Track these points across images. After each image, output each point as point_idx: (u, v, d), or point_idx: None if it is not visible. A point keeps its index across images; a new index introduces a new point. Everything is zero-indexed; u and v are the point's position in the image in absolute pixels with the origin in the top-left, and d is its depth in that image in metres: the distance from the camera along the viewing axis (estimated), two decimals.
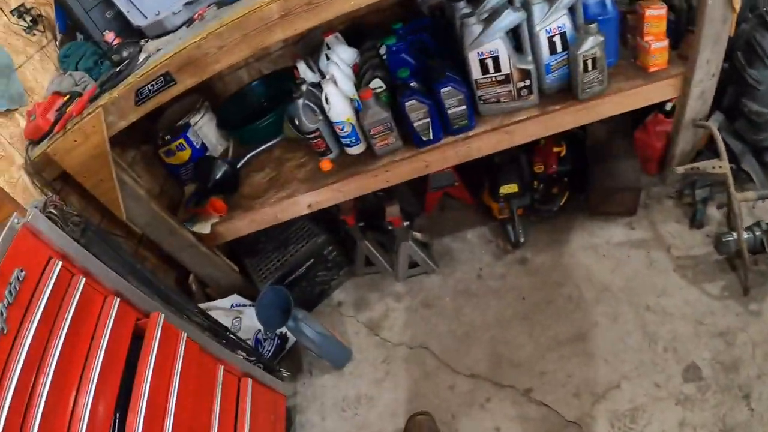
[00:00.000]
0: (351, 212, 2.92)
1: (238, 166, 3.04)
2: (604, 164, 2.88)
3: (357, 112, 2.60)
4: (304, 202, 2.77)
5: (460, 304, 2.91)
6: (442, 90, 2.42)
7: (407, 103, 2.45)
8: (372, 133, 2.57)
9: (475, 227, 3.23)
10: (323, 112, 2.64)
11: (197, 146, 3.10)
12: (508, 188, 2.86)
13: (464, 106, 2.49)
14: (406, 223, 2.90)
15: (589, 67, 2.33)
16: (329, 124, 2.68)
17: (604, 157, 2.89)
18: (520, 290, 2.85)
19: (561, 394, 2.41)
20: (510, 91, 2.48)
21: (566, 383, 2.43)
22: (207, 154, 3.17)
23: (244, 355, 2.48)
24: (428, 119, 2.50)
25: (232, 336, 2.50)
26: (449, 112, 2.50)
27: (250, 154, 3.11)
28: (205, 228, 2.79)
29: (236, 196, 2.94)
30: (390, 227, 2.90)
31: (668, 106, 2.71)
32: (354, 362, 2.90)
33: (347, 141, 2.71)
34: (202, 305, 2.86)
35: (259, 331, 2.91)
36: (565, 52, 2.39)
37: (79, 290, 1.67)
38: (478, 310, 2.85)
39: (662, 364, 2.36)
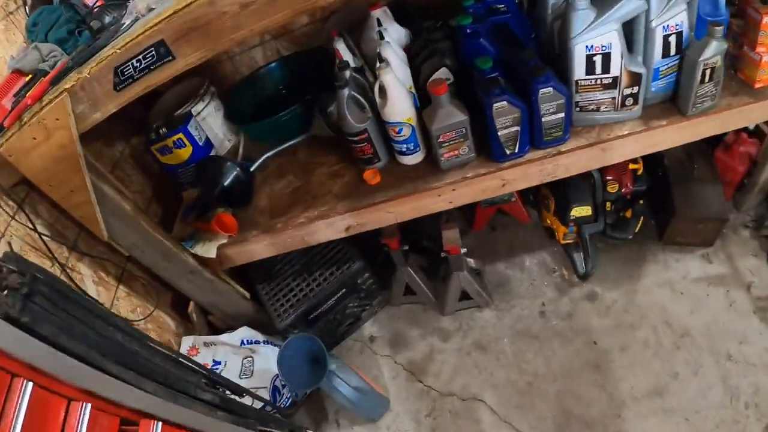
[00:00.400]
0: (395, 235, 2.68)
1: (252, 170, 2.65)
2: (686, 188, 2.75)
3: (417, 110, 2.31)
4: (341, 225, 2.46)
5: (521, 348, 2.77)
6: (542, 91, 2.08)
7: (495, 105, 2.08)
8: (441, 140, 2.24)
9: (533, 252, 3.08)
10: (374, 107, 2.31)
11: (200, 143, 2.73)
12: (581, 210, 2.71)
13: (562, 114, 2.17)
14: (463, 250, 2.67)
15: (707, 78, 2.10)
16: (381, 124, 2.34)
17: (686, 179, 2.77)
18: (590, 333, 2.73)
19: None
20: (614, 98, 2.21)
21: None
22: (212, 152, 2.81)
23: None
24: (518, 127, 2.18)
25: (248, 400, 2.25)
26: (544, 119, 2.18)
27: (267, 155, 2.70)
28: (209, 251, 2.46)
29: (250, 210, 2.59)
30: (444, 254, 2.68)
31: (752, 126, 2.62)
32: (392, 414, 2.74)
33: (403, 147, 2.38)
34: (206, 339, 2.63)
35: (277, 376, 2.65)
36: (678, 57, 2.14)
37: (25, 400, 1.19)
38: (542, 356, 2.72)
39: (743, 421, 2.33)
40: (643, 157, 2.70)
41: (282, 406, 2.67)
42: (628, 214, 2.84)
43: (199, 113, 2.75)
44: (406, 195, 2.37)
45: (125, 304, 2.42)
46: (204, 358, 2.59)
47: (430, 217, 2.60)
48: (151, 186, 2.81)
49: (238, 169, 2.56)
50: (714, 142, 2.81)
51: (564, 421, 2.52)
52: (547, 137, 2.24)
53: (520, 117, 2.12)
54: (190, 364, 1.95)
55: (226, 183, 2.53)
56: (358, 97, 2.29)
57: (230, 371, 2.58)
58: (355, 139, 2.36)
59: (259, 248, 2.54)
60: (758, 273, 2.72)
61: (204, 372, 1.99)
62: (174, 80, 1.91)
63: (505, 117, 2.12)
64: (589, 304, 2.82)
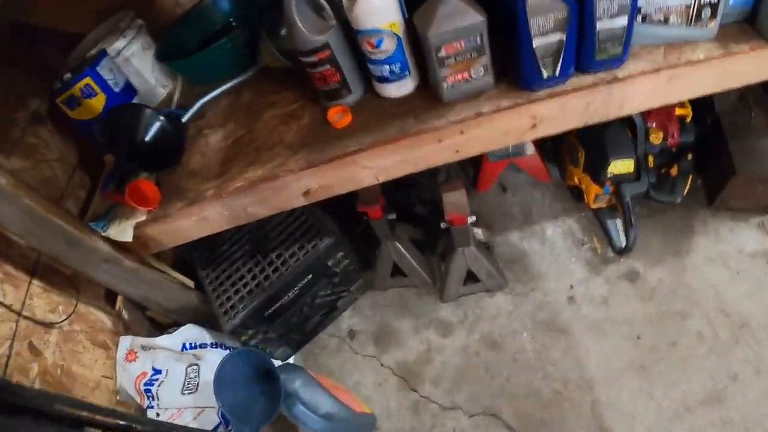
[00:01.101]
0: (377, 200, 2.00)
1: (183, 120, 2.00)
2: (744, 140, 2.23)
3: (403, 14, 1.61)
4: (297, 188, 1.79)
5: (545, 345, 2.16)
6: None
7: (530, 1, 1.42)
8: (443, 54, 1.54)
9: (556, 219, 2.43)
10: (339, 12, 1.62)
11: (116, 89, 2.02)
12: (622, 166, 2.13)
13: (625, 19, 1.49)
14: (471, 219, 2.01)
15: None
16: (351, 35, 1.65)
17: (742, 130, 2.25)
18: (632, 324, 2.16)
19: None
20: (689, 6, 1.55)
21: None
22: (135, 101, 2.12)
23: None
24: (561, 35, 1.49)
25: None
26: (599, 25, 1.50)
27: (204, 99, 2.05)
28: (124, 233, 1.80)
29: (177, 173, 1.92)
30: (444, 224, 2.02)
31: None
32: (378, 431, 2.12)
33: (384, 71, 1.67)
34: (143, 341, 2.02)
35: None
36: None
37: None
38: (573, 355, 2.13)
39: None
40: (691, 101, 2.21)
41: None
42: (674, 171, 2.27)
43: (118, 53, 2.07)
44: (390, 141, 1.68)
45: (42, 303, 1.82)
46: (143, 365, 2.00)
47: (424, 174, 1.94)
48: (76, 152, 2.16)
49: (162, 119, 1.86)
50: None
51: None
52: (601, 54, 1.57)
53: (567, 18, 1.44)
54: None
55: (147, 138, 1.86)
56: None
57: (172, 384, 1.98)
58: (313, 59, 1.65)
59: (188, 226, 1.88)
60: None
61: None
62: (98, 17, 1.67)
63: (545, 17, 1.44)
64: (629, 286, 2.23)
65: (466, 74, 1.60)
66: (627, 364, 2.08)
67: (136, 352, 2.01)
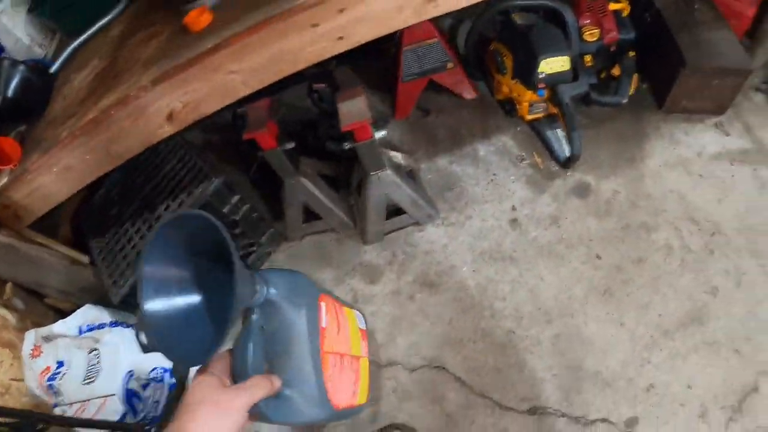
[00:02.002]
0: (264, 123, 1.61)
1: (52, 70, 1.70)
2: (692, 34, 1.96)
3: None
4: (158, 111, 1.45)
5: (490, 278, 1.78)
6: None
7: None
8: None
9: (488, 137, 2.05)
10: None
11: None
12: (554, 63, 1.79)
13: None
14: (379, 134, 1.63)
15: None
16: None
17: (687, 23, 1.99)
18: (590, 244, 1.80)
19: (679, 421, 1.56)
20: None
21: (684, 399, 1.59)
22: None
23: None
24: None
25: None
26: None
27: (72, 45, 1.76)
28: None
29: (40, 126, 1.60)
30: (348, 144, 1.62)
31: None
32: None
33: None
34: (44, 332, 1.69)
35: (130, 374, 1.63)
36: None
37: None
38: (524, 286, 1.76)
39: None
40: None
41: (146, 420, 1.64)
42: (616, 71, 1.94)
43: None
44: (254, 30, 1.35)
45: None
46: (46, 359, 1.70)
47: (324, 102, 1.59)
48: None
49: (22, 69, 1.61)
50: None
51: (571, 382, 1.62)
52: None
53: None
54: None
55: (9, 93, 1.58)
56: None
57: (73, 375, 1.67)
58: None
59: (51, 181, 1.55)
60: None
61: None
62: None
63: None
64: (580, 201, 1.87)
65: None
66: (589, 289, 1.73)
67: (40, 347, 1.71)
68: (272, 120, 1.63)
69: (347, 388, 0.90)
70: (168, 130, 1.48)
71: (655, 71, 2.05)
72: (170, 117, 1.45)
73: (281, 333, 0.81)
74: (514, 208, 1.87)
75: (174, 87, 1.40)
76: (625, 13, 1.92)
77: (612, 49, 1.91)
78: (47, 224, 1.78)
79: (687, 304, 1.71)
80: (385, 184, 1.72)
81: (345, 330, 0.92)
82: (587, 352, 1.65)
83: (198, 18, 1.39)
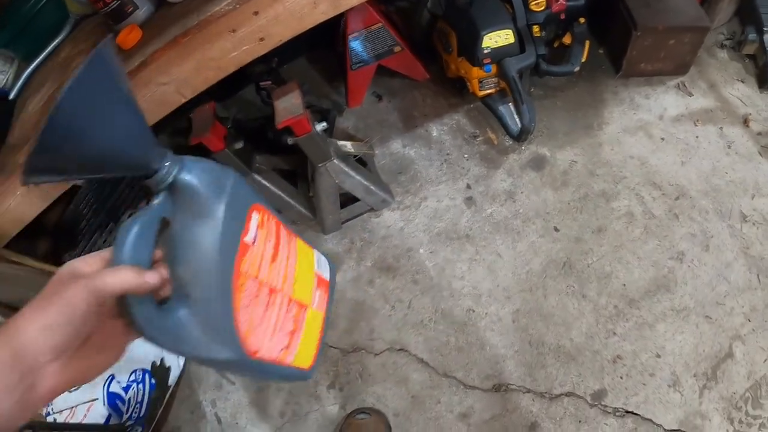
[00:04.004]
0: (208, 128, 1.48)
1: (11, 97, 1.59)
2: None
3: None
4: None
5: (447, 258, 1.64)
6: None
7: None
8: None
9: (440, 117, 1.89)
10: None
11: None
12: (497, 37, 1.64)
13: None
14: (320, 126, 1.51)
15: None
16: None
17: None
18: (547, 217, 1.65)
19: (650, 391, 1.45)
20: None
21: (653, 368, 1.47)
22: None
23: None
24: None
25: None
26: None
27: (27, 71, 1.61)
28: None
29: (2, 153, 1.49)
30: (289, 139, 1.50)
31: None
32: (281, 392, 1.57)
33: None
34: None
35: (111, 377, 1.52)
36: None
37: None
38: (482, 264, 1.61)
39: None
40: None
41: (131, 421, 1.55)
42: (567, 40, 1.78)
43: None
44: (174, 44, 1.24)
45: None
46: None
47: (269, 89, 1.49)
48: None
49: None
50: None
51: (533, 358, 1.49)
52: None
53: None
54: None
55: None
56: None
57: None
58: None
59: (17, 204, 1.41)
60: (751, 102, 1.86)
61: None
62: None
63: None
64: (536, 174, 1.72)
65: None
66: (548, 263, 1.59)
67: None
68: (219, 122, 1.52)
69: (276, 336, 0.68)
70: None
71: (609, 36, 1.89)
72: None
73: (187, 232, 0.60)
74: (468, 187, 1.72)
75: None
76: None
77: (561, 17, 1.73)
78: (23, 242, 1.71)
79: (652, 271, 1.55)
80: (334, 174, 1.58)
81: (287, 263, 0.71)
82: (548, 326, 1.51)
83: (127, 36, 1.28)
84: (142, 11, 1.34)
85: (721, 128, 1.77)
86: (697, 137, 1.73)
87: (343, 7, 1.31)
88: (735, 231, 1.61)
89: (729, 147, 1.74)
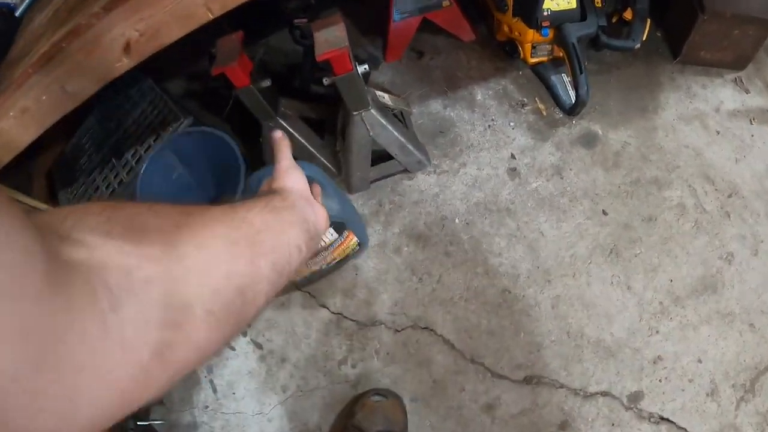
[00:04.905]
0: (237, 57, 1.24)
1: (17, 13, 1.36)
2: None
3: None
4: (112, 41, 1.10)
5: (484, 231, 1.44)
6: None
7: None
8: None
9: (486, 81, 1.67)
10: None
11: None
12: (560, 1, 1.45)
13: None
14: (362, 68, 1.28)
15: None
16: None
17: None
18: (596, 198, 1.47)
19: (687, 398, 1.29)
20: None
21: (693, 373, 1.31)
22: None
23: None
24: None
25: None
26: None
27: None
28: None
29: (2, 68, 1.29)
30: (327, 78, 1.27)
31: None
32: (286, 365, 1.36)
33: None
34: None
35: None
36: None
37: None
38: (522, 242, 1.42)
39: None
40: None
41: None
42: (628, 15, 1.59)
43: None
44: None
45: None
46: None
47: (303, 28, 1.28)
48: None
49: None
50: None
51: (570, 350, 1.31)
52: None
53: None
54: None
55: None
56: None
57: None
58: None
59: (10, 126, 1.19)
60: None
61: None
62: None
63: None
64: (586, 152, 1.53)
65: None
66: (594, 248, 1.40)
67: None
68: (246, 54, 1.31)
69: None
70: (127, 63, 1.13)
71: (672, 17, 1.70)
72: (127, 48, 1.11)
73: None
74: (513, 157, 1.52)
75: (128, 13, 1.06)
76: None
77: None
78: (21, 179, 1.48)
79: (700, 269, 1.38)
80: (370, 126, 1.36)
81: None
82: (590, 317, 1.33)
83: None
84: None
85: None
86: (752, 136, 1.57)
87: None
88: None
89: None
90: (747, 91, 1.66)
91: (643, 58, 1.66)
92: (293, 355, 1.39)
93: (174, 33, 1.17)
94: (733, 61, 1.68)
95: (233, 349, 1.40)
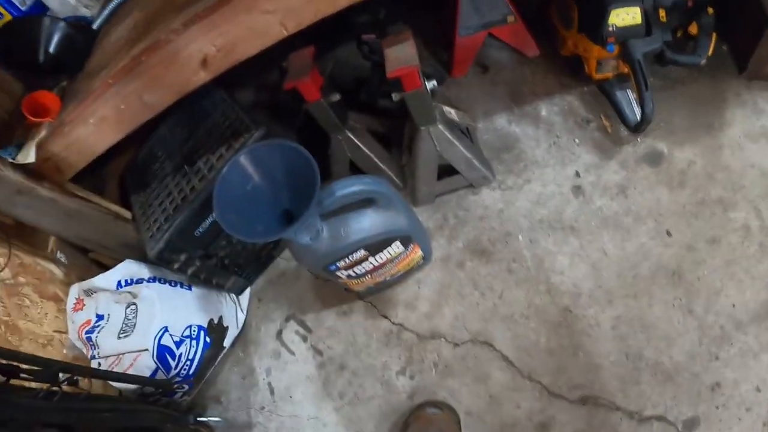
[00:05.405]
0: (309, 72, 1.27)
1: (95, 26, 1.42)
2: None
3: None
4: (189, 55, 1.15)
5: (547, 249, 1.44)
6: None
7: None
8: None
9: (551, 96, 1.66)
10: None
11: (22, 7, 1.42)
12: (625, 15, 1.41)
13: None
14: (430, 84, 1.29)
15: None
16: None
17: None
18: (660, 218, 1.44)
19: (744, 427, 1.24)
20: None
21: (751, 402, 1.26)
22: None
23: None
24: None
25: None
26: None
27: (114, 2, 1.42)
28: (28, 154, 1.22)
29: (78, 79, 1.34)
30: (396, 95, 1.28)
31: None
32: (345, 371, 1.40)
33: None
34: (85, 285, 1.46)
35: (164, 329, 1.36)
36: None
37: None
38: (585, 261, 1.42)
39: None
40: None
41: (179, 378, 1.39)
42: (693, 29, 1.54)
43: None
44: None
45: None
46: (88, 312, 1.47)
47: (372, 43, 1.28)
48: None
49: (65, 27, 1.37)
50: None
51: (628, 372, 1.30)
52: None
53: None
54: None
55: (51, 49, 1.36)
56: None
57: (110, 329, 1.41)
58: None
59: (88, 133, 1.26)
60: None
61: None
62: None
63: None
64: (651, 171, 1.50)
65: None
66: (657, 269, 1.38)
67: (82, 300, 1.48)
68: (317, 69, 1.31)
69: None
70: (203, 77, 1.18)
71: (737, 31, 1.64)
72: (204, 62, 1.15)
73: None
74: (577, 174, 1.51)
75: (206, 29, 1.10)
76: None
77: (689, 4, 1.51)
78: (95, 182, 1.53)
79: (764, 294, 1.34)
80: (437, 141, 1.37)
81: None
82: (649, 339, 1.32)
83: None
84: None
85: None
86: None
87: None
88: None
89: None
90: None
91: (708, 74, 1.61)
92: (352, 363, 1.42)
93: (250, 48, 1.20)
94: None
95: (293, 353, 1.43)
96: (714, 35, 1.56)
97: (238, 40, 1.16)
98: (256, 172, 1.08)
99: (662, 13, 1.52)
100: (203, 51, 1.15)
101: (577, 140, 1.56)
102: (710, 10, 1.56)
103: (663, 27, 1.51)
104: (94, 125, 1.26)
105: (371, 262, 1.28)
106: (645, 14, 1.48)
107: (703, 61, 1.51)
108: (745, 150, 1.51)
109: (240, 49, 1.18)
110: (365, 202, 1.17)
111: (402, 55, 1.24)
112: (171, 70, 1.18)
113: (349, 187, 1.10)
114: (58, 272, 1.49)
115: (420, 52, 1.27)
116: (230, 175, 1.06)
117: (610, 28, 1.46)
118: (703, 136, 1.53)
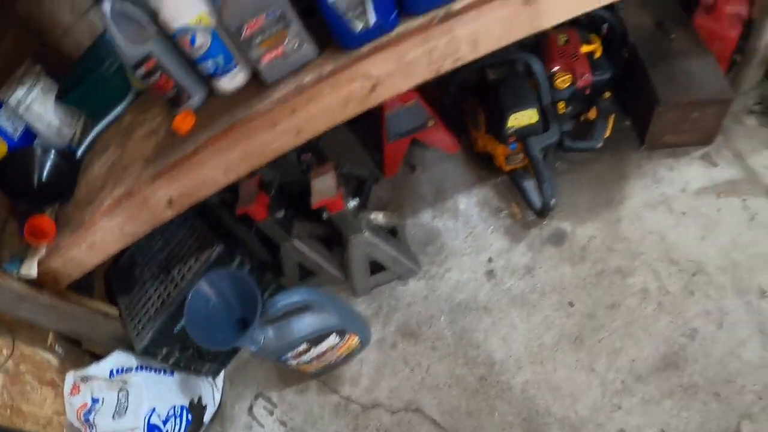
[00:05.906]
0: (255, 198, 1.57)
1: (78, 154, 1.71)
2: (667, 66, 1.73)
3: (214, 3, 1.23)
4: (159, 200, 1.46)
5: (465, 328, 1.67)
6: None
7: None
8: (247, 34, 1.19)
9: (468, 190, 1.91)
10: (155, 19, 1.28)
11: (15, 137, 1.74)
12: (522, 117, 1.64)
13: None
14: (352, 203, 1.58)
15: None
16: (171, 40, 1.31)
17: (663, 55, 1.75)
18: (562, 291, 1.64)
19: None
20: None
21: None
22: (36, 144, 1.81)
23: None
24: None
25: None
26: None
27: (94, 131, 1.72)
28: (30, 269, 1.52)
29: (70, 206, 1.63)
30: (324, 215, 1.57)
31: None
32: None
33: (209, 66, 1.32)
34: (82, 373, 1.73)
35: (152, 410, 1.67)
36: None
37: None
38: (497, 335, 1.63)
39: None
40: (601, 36, 1.75)
41: None
42: (592, 114, 1.74)
43: (19, 101, 1.72)
44: (222, 135, 1.33)
45: None
46: (84, 396, 1.74)
47: (309, 161, 1.56)
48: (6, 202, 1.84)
49: (54, 156, 1.64)
50: (689, 5, 1.85)
51: (540, 428, 1.49)
52: None
53: None
54: None
55: (43, 178, 1.62)
56: (130, 6, 1.26)
57: (106, 410, 1.70)
58: (142, 71, 1.32)
59: (81, 254, 1.58)
60: None
61: None
62: None
63: None
64: (555, 249, 1.71)
65: (279, 50, 1.23)
66: (560, 337, 1.58)
67: (78, 386, 1.75)
68: (263, 193, 1.60)
69: None
70: (170, 214, 1.50)
71: (635, 109, 1.84)
72: (170, 203, 1.47)
73: None
74: (490, 260, 1.73)
75: (169, 181, 1.42)
76: (598, 54, 1.70)
77: (587, 92, 1.70)
78: (85, 282, 1.81)
79: (662, 348, 1.51)
80: (365, 245, 1.65)
81: None
82: (555, 398, 1.51)
83: (183, 122, 1.37)
84: (196, 99, 1.43)
85: (744, 200, 1.67)
86: (719, 210, 1.65)
87: (368, 105, 1.35)
88: (752, 307, 1.51)
89: (752, 219, 1.64)
90: (715, 165, 1.74)
91: (611, 149, 1.80)
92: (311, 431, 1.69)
93: (205, 192, 1.51)
94: (699, 139, 1.77)
95: (262, 426, 1.71)
96: (612, 117, 1.75)
97: (194, 187, 1.47)
98: (215, 294, 1.40)
99: (562, 105, 1.73)
100: (169, 195, 1.47)
101: (490, 228, 1.79)
102: (607, 95, 1.76)
103: (562, 119, 1.72)
104: (85, 249, 1.58)
105: (314, 352, 1.56)
106: (542, 112, 1.68)
107: (599, 144, 1.70)
108: (644, 219, 1.69)
109: (197, 194, 1.49)
110: (303, 307, 1.45)
111: (324, 187, 1.52)
112: (144, 210, 1.50)
113: (289, 299, 1.43)
114: (55, 361, 1.78)
115: (360, 156, 1.54)
116: (194, 301, 1.38)
117: (510, 130, 1.68)
118: (604, 211, 1.72)
